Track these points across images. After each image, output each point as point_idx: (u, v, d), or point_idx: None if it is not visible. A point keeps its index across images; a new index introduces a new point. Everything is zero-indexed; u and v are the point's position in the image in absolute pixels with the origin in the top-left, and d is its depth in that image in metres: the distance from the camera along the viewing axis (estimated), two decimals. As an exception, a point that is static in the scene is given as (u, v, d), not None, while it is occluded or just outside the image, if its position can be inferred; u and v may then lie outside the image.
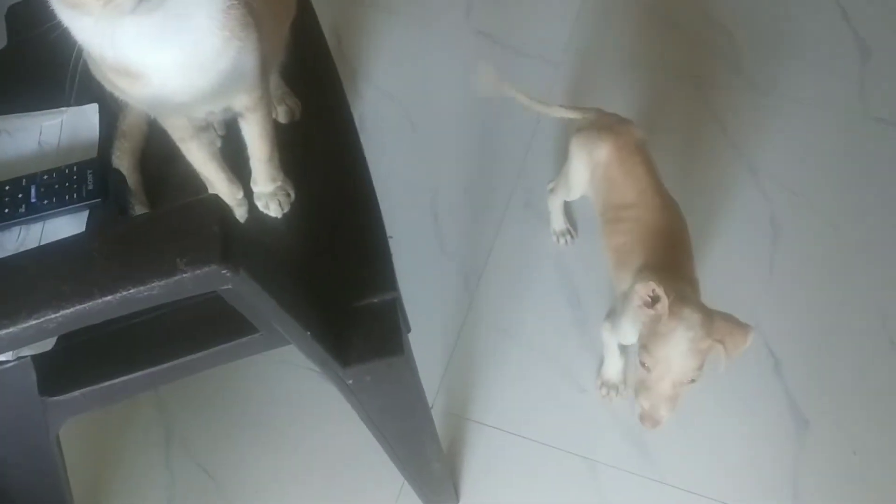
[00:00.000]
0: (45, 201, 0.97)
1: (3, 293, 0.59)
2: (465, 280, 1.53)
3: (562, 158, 1.58)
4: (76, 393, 0.86)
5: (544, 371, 1.44)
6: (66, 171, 0.99)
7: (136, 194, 0.94)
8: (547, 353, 1.45)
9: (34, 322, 0.58)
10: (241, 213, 0.93)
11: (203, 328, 0.88)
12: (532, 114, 1.52)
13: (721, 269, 1.49)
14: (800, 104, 1.67)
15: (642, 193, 1.22)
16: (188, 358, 0.87)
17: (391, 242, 0.99)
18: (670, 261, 1.18)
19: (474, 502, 1.36)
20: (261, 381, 1.47)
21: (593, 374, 1.43)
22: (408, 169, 1.64)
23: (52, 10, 0.70)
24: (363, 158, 1.01)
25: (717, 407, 1.39)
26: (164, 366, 0.87)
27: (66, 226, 0.97)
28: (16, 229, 0.96)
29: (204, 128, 0.89)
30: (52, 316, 0.58)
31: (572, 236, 1.53)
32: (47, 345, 0.88)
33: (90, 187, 0.97)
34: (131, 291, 0.58)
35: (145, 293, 0.59)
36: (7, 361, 0.88)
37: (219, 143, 0.97)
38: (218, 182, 0.91)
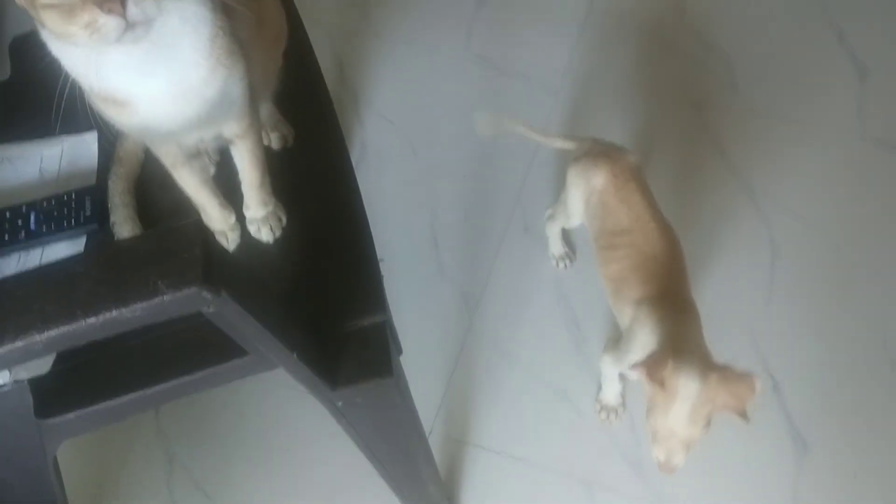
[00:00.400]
0: (45, 227, 0.99)
1: (-9, 316, 0.61)
2: (465, 303, 1.54)
3: (559, 184, 1.60)
4: (71, 415, 0.88)
5: (543, 394, 1.45)
6: (65, 197, 1.01)
7: (131, 218, 0.96)
8: (545, 376, 1.46)
9: (21, 343, 0.59)
10: (233, 238, 0.95)
11: (194, 351, 0.89)
12: (530, 143, 1.54)
13: (720, 291, 1.50)
14: (797, 125, 1.68)
15: (637, 219, 1.23)
16: (180, 381, 0.88)
17: (383, 266, 1.00)
18: (667, 288, 1.19)
19: (473, 526, 1.36)
20: (259, 405, 1.48)
21: (591, 397, 1.43)
22: (408, 193, 1.66)
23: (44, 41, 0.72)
24: (355, 184, 1.03)
25: (716, 429, 1.38)
26: (157, 388, 0.88)
27: (65, 251, 0.99)
28: (15, 255, 0.98)
29: (195, 155, 0.91)
30: (38, 337, 0.59)
31: (571, 260, 1.54)
32: (43, 368, 0.90)
33: (88, 213, 0.99)
34: (114, 313, 0.60)
35: (128, 314, 0.60)
36: (4, 385, 0.90)
37: (212, 170, 0.99)
38: (210, 208, 0.93)
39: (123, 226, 0.96)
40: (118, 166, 1.01)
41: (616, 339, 1.29)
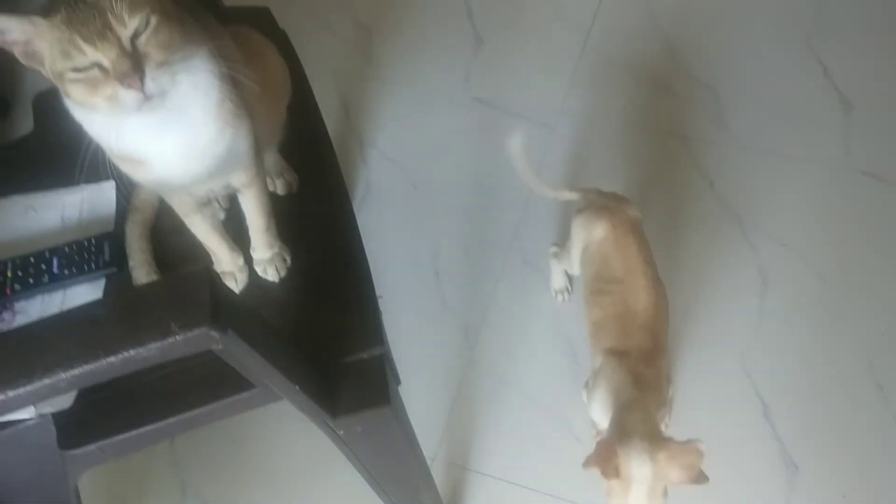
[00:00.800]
0: (66, 271, 1.06)
1: (21, 355, 0.68)
2: (466, 334, 1.61)
3: (556, 218, 1.68)
4: (92, 446, 0.95)
5: (542, 422, 1.50)
6: (86, 243, 1.08)
7: (147, 262, 1.03)
8: (544, 405, 1.52)
9: (48, 381, 0.66)
10: (241, 279, 1.02)
11: (206, 386, 0.96)
12: (524, 186, 1.62)
13: (710, 318, 1.56)
14: (785, 158, 1.75)
15: (629, 271, 1.27)
16: (192, 413, 0.95)
17: (382, 302, 1.06)
18: (638, 346, 1.22)
19: (475, 550, 1.41)
20: (270, 437, 1.55)
21: (588, 424, 1.48)
22: (411, 229, 1.73)
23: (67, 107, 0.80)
24: (355, 227, 1.10)
25: (707, 452, 1.44)
26: (172, 420, 0.95)
27: (85, 293, 1.07)
28: (39, 297, 1.06)
29: (206, 203, 0.98)
30: (63, 375, 0.66)
31: (569, 293, 1.60)
32: (66, 403, 0.97)
33: (107, 258, 1.07)
34: (132, 352, 0.67)
35: (144, 353, 0.67)
36: (30, 419, 0.97)
37: (222, 216, 1.06)
38: (220, 251, 1.00)
39: (140, 269, 1.03)
40: (134, 214, 1.09)
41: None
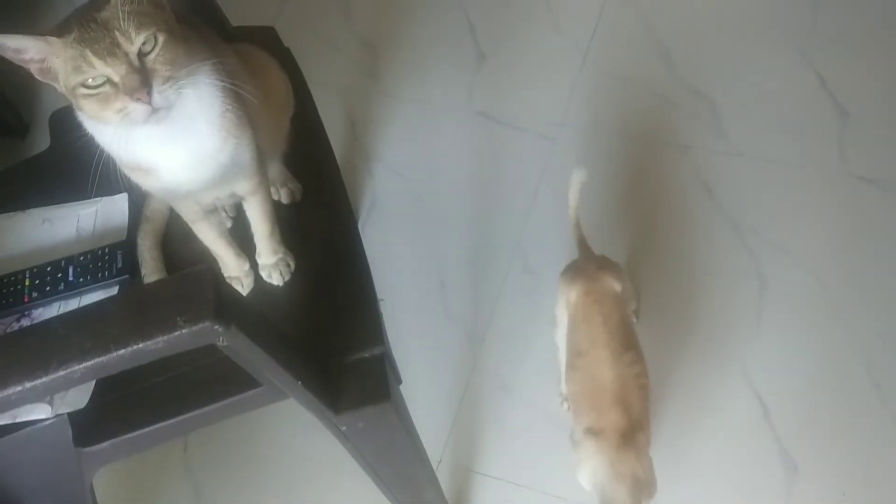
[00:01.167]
0: (81, 279, 1.12)
1: (38, 349, 0.72)
2: (470, 341, 1.64)
3: (557, 227, 1.71)
4: (106, 444, 0.99)
5: (544, 425, 1.53)
6: (99, 252, 1.14)
7: (158, 270, 1.08)
8: (546, 409, 1.55)
9: (63, 372, 0.71)
10: (247, 283, 1.07)
11: (214, 385, 1.00)
12: (529, 189, 1.68)
13: (710, 322, 1.59)
14: (782, 165, 1.78)
15: (593, 343, 1.25)
16: (201, 411, 0.99)
17: (383, 304, 1.11)
18: (612, 425, 1.20)
19: (480, 550, 1.45)
20: (281, 443, 1.59)
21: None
22: (416, 239, 1.78)
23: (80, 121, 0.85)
24: (356, 233, 1.15)
25: (708, 453, 1.47)
26: (182, 417, 0.99)
27: (99, 300, 1.12)
28: (56, 304, 1.11)
29: (212, 211, 1.03)
30: (77, 367, 0.71)
31: None
32: (81, 402, 1.02)
33: (120, 266, 1.12)
34: (140, 346, 0.71)
35: (152, 346, 0.72)
36: (46, 419, 1.01)
37: (229, 224, 1.11)
38: (227, 257, 1.05)
39: (152, 276, 1.08)
40: (146, 224, 1.14)
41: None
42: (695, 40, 1.97)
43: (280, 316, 1.05)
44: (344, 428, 1.00)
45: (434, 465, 1.36)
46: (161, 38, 0.78)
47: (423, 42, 2.08)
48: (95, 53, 0.76)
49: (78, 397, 1.02)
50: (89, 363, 0.71)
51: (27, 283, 1.12)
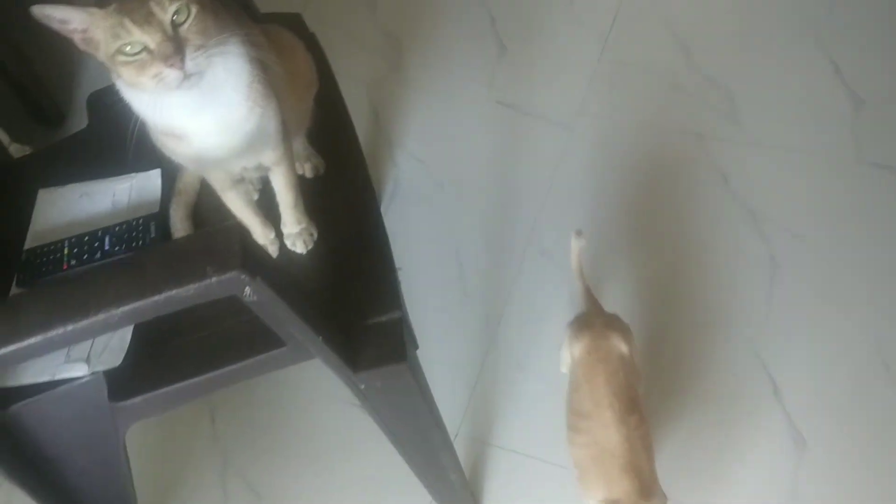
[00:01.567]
0: (117, 248, 1.18)
1: (79, 295, 0.79)
2: (487, 321, 1.69)
3: (573, 212, 1.76)
4: (139, 398, 1.05)
5: (557, 400, 1.57)
6: (134, 223, 1.20)
7: (189, 238, 1.15)
8: (559, 385, 1.58)
9: (102, 316, 0.77)
10: (273, 251, 1.13)
11: (241, 345, 1.06)
12: (547, 176, 1.73)
13: (722, 305, 1.63)
14: (796, 152, 1.81)
15: (597, 405, 1.21)
16: (228, 369, 1.05)
17: (401, 273, 1.17)
18: (626, 493, 1.18)
19: (495, 519, 1.50)
20: (307, 415, 1.65)
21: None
22: (436, 224, 1.83)
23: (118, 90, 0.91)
24: (376, 205, 1.21)
25: (718, 428, 1.51)
26: (209, 375, 1.05)
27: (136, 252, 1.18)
28: (93, 271, 1.17)
29: (240, 181, 1.09)
30: (115, 311, 0.77)
31: None
32: (116, 361, 1.08)
33: (153, 235, 1.18)
34: (173, 292, 0.77)
35: (184, 293, 0.77)
36: (83, 376, 1.08)
37: (256, 196, 1.17)
38: (254, 225, 1.11)
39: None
40: (178, 196, 1.21)
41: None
42: (712, 30, 2.01)
43: (302, 281, 1.10)
44: (363, 386, 1.05)
45: (451, 438, 1.41)
46: (193, 9, 0.85)
47: (446, 34, 2.14)
48: (134, 22, 0.83)
49: (113, 356, 1.09)
50: (126, 308, 0.77)
51: (66, 252, 1.19)
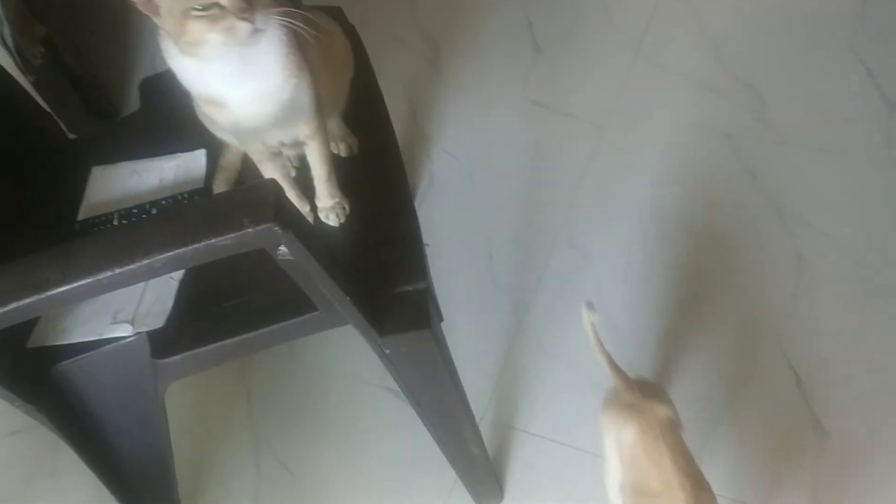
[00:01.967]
0: (163, 220, 1.25)
1: (127, 242, 0.85)
2: (515, 309, 1.74)
3: (601, 206, 1.81)
4: (179, 357, 1.12)
5: (581, 387, 1.61)
6: (180, 197, 1.28)
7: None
8: (584, 372, 1.63)
9: (147, 262, 0.83)
10: (307, 223, 1.19)
11: (274, 310, 1.12)
12: (577, 172, 1.78)
13: (748, 296, 1.66)
14: (827, 153, 1.83)
15: (666, 485, 1.16)
16: (262, 331, 1.11)
17: (428, 249, 1.22)
18: None
19: (518, 499, 1.53)
20: (339, 398, 1.71)
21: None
22: (468, 216, 1.89)
23: (164, 57, 0.99)
24: (406, 184, 1.27)
25: (741, 417, 1.53)
26: (245, 336, 1.12)
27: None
28: (140, 240, 1.25)
29: (277, 154, 1.16)
30: (159, 257, 0.83)
31: None
32: (159, 323, 1.15)
33: (196, 208, 1.25)
34: (212, 241, 0.84)
35: (222, 242, 0.84)
36: (128, 336, 1.15)
37: (293, 174, 1.24)
38: (290, 197, 1.17)
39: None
40: (221, 173, 1.28)
41: None
42: (744, 34, 2.05)
43: (334, 249, 1.16)
44: (388, 351, 1.11)
45: (476, 421, 1.45)
46: None
47: (483, 36, 2.20)
48: None
49: (156, 319, 1.16)
50: (169, 254, 0.83)
51: (115, 222, 1.27)
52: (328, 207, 1.18)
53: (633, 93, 2.01)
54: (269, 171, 1.15)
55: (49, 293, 0.84)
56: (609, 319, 1.68)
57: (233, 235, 0.84)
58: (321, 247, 0.94)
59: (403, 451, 1.61)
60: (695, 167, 1.87)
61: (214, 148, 1.30)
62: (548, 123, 2.00)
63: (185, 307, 1.16)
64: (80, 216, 1.31)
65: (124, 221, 1.27)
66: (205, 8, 0.91)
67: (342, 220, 1.19)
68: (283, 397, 1.73)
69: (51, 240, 0.91)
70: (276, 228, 0.84)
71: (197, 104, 1.09)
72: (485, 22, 2.23)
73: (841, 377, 1.55)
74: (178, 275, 1.19)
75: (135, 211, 1.28)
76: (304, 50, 1.02)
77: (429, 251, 1.23)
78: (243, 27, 0.92)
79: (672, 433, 1.20)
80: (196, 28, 0.92)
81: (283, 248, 0.90)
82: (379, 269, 1.15)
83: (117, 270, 0.84)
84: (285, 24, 0.96)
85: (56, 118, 1.52)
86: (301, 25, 0.96)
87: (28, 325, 1.19)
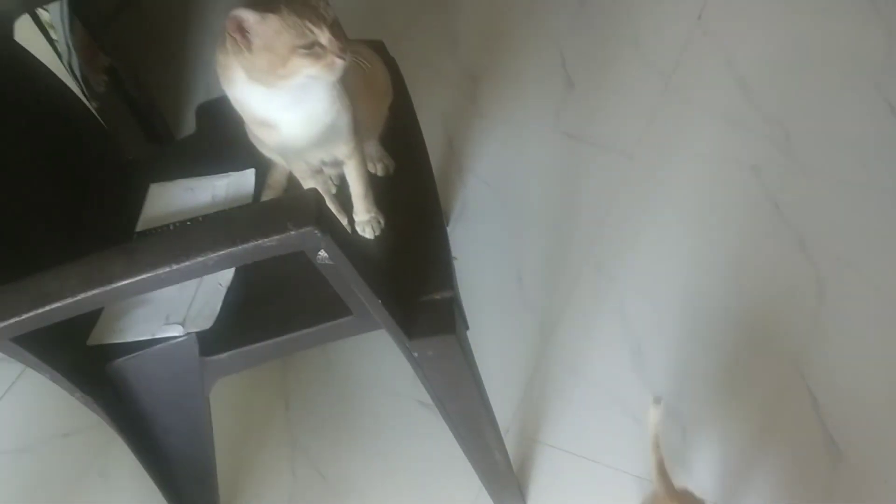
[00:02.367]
0: (213, 231, 1.36)
1: (182, 242, 0.96)
2: (542, 328, 1.81)
3: (629, 232, 1.88)
4: (225, 355, 1.22)
5: (607, 405, 1.68)
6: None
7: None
8: (607, 389, 1.70)
9: (200, 259, 0.93)
10: (345, 236, 1.29)
11: (313, 314, 1.22)
12: (605, 199, 1.85)
13: (768, 321, 1.71)
14: (850, 185, 1.89)
15: None
16: (300, 332, 1.21)
17: (456, 262, 1.31)
18: None
19: (540, 508, 1.60)
20: (374, 409, 1.79)
21: (647, 407, 1.64)
22: (499, 240, 1.97)
23: (223, 84, 1.10)
24: (437, 203, 1.36)
25: (757, 436, 1.58)
26: (284, 337, 1.21)
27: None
28: (192, 249, 1.36)
29: (319, 171, 1.26)
30: (211, 255, 0.93)
31: None
32: (207, 325, 1.25)
33: (244, 222, 1.36)
34: (259, 242, 0.93)
35: (268, 243, 0.93)
36: (179, 336, 1.25)
37: (333, 191, 1.34)
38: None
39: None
40: (268, 191, 1.39)
41: None
42: (771, 70, 2.12)
43: (368, 257, 1.26)
44: (416, 354, 1.19)
45: (502, 434, 1.52)
46: (334, 14, 1.05)
47: (519, 71, 2.31)
48: (313, 23, 1.03)
49: (205, 320, 1.26)
50: (221, 253, 0.93)
51: (171, 234, 1.38)
52: (364, 221, 1.28)
53: (661, 125, 2.09)
54: (311, 186, 1.25)
55: (114, 286, 0.94)
56: (633, 340, 1.76)
57: (277, 237, 0.93)
58: (356, 253, 1.03)
59: (431, 460, 1.68)
60: (720, 197, 1.94)
61: (262, 167, 1.41)
62: (578, 154, 2.09)
63: (232, 311, 1.26)
64: (139, 228, 1.42)
65: (178, 232, 1.37)
66: (307, 47, 1.03)
67: (377, 233, 1.29)
68: (319, 406, 1.82)
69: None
70: (317, 232, 0.94)
71: (248, 126, 1.20)
72: (521, 58, 2.34)
73: (857, 399, 1.59)
74: (226, 281, 1.29)
75: (188, 223, 1.39)
76: (346, 78, 1.12)
77: (458, 265, 1.32)
78: (340, 64, 1.05)
79: None
80: (299, 64, 1.04)
81: (322, 253, 0.99)
82: (409, 277, 1.24)
83: (175, 266, 0.94)
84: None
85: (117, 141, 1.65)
86: (361, 60, 1.08)
87: (88, 325, 1.30)
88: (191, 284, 1.30)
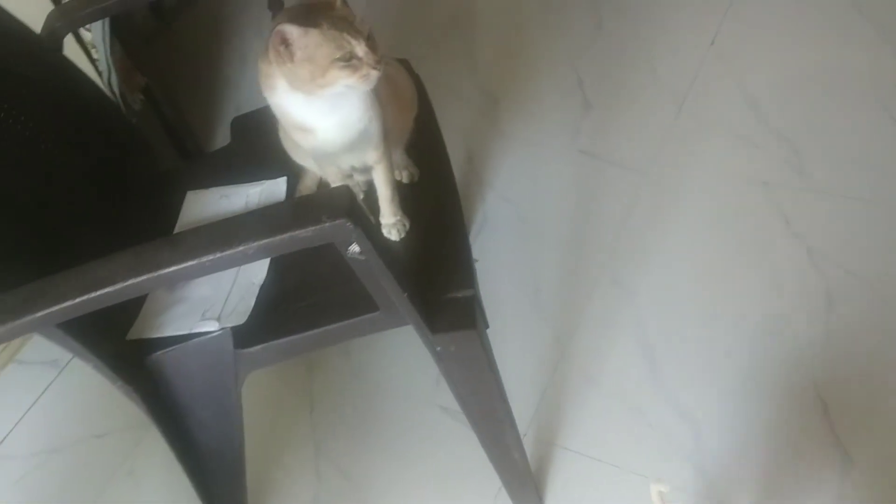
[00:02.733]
0: (247, 234, 1.44)
1: (225, 232, 1.03)
2: (558, 338, 1.87)
3: (643, 246, 1.94)
4: (258, 348, 1.29)
5: (622, 411, 1.73)
6: (262, 215, 1.46)
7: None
8: (623, 395, 1.75)
9: (241, 248, 1.00)
10: (372, 237, 1.36)
11: (342, 310, 1.29)
12: (620, 214, 1.91)
13: (778, 327, 1.76)
14: (859, 202, 1.94)
15: None
16: (329, 327, 1.27)
17: (477, 264, 1.38)
18: None
19: (557, 508, 1.65)
20: (398, 413, 1.85)
21: (661, 413, 1.70)
22: (518, 253, 2.04)
23: (265, 93, 1.18)
24: (459, 209, 1.43)
25: (768, 442, 1.63)
26: (313, 332, 1.28)
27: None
28: (227, 250, 1.43)
29: (349, 176, 1.34)
30: (252, 244, 1.01)
31: None
32: (242, 319, 1.33)
33: (276, 225, 1.44)
34: (296, 232, 1.01)
35: (304, 234, 1.00)
36: (214, 331, 1.32)
37: (361, 196, 1.42)
38: (358, 213, 1.35)
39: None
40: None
41: None
42: (783, 91, 2.19)
43: (391, 251, 1.32)
44: (439, 348, 1.26)
45: (521, 436, 1.58)
46: (369, 28, 1.13)
47: (538, 92, 2.39)
48: (351, 36, 1.11)
49: (239, 316, 1.33)
50: (261, 242, 1.01)
51: (207, 237, 1.45)
52: (390, 224, 1.35)
53: (675, 144, 2.16)
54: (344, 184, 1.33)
55: (161, 272, 1.02)
56: (648, 349, 1.81)
57: (312, 228, 1.00)
58: (385, 250, 1.10)
59: (452, 462, 1.74)
60: (731, 212, 2.00)
61: (294, 176, 1.49)
62: (595, 171, 2.16)
63: (264, 308, 1.33)
64: (176, 231, 1.50)
65: (214, 235, 1.45)
66: (345, 59, 1.11)
67: (402, 236, 1.36)
68: (343, 410, 1.88)
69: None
70: (349, 224, 1.01)
71: (284, 132, 1.28)
72: (539, 79, 2.42)
73: (868, 407, 1.63)
74: (259, 280, 1.36)
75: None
76: (377, 89, 1.20)
77: (477, 265, 1.38)
78: (375, 75, 1.13)
79: None
80: (337, 75, 1.12)
81: (353, 247, 1.06)
82: (433, 277, 1.31)
83: (217, 255, 1.01)
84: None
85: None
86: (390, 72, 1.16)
87: (128, 322, 1.38)
88: (226, 283, 1.38)
